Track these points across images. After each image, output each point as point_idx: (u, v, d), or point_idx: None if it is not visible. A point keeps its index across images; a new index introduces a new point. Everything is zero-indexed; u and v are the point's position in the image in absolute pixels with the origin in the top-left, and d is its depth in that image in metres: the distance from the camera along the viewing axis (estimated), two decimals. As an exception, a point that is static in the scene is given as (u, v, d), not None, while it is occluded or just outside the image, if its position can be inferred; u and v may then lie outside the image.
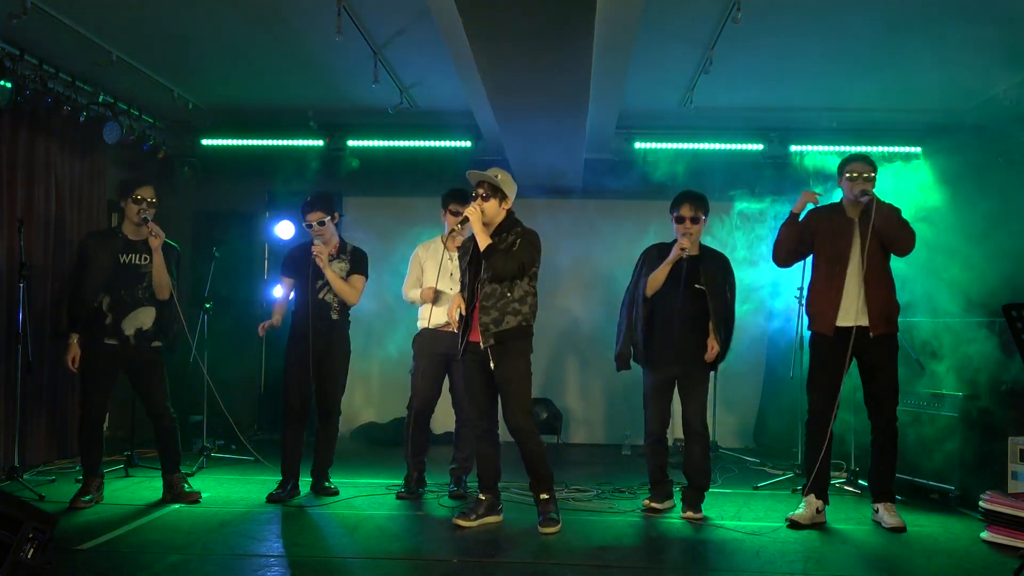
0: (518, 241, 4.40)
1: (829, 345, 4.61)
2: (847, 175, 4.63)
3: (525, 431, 4.40)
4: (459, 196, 5.05)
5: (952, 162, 6.73)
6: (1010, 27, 4.90)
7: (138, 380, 4.88)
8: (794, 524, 4.60)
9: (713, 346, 4.70)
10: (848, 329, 4.54)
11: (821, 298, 4.66)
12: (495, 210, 4.43)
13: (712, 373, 4.92)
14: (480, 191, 4.42)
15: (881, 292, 4.55)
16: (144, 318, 4.83)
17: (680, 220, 4.75)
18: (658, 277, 4.72)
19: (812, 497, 4.67)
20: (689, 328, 4.69)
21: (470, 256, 4.51)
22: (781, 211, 7.14)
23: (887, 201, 4.64)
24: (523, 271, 4.39)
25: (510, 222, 4.48)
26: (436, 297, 5.05)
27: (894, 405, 4.61)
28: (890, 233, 4.52)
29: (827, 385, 4.62)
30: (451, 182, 5.51)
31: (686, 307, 4.69)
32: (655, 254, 4.87)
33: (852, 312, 4.55)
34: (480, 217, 4.38)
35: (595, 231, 7.50)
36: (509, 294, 4.38)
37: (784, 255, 4.79)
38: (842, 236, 4.61)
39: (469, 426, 4.62)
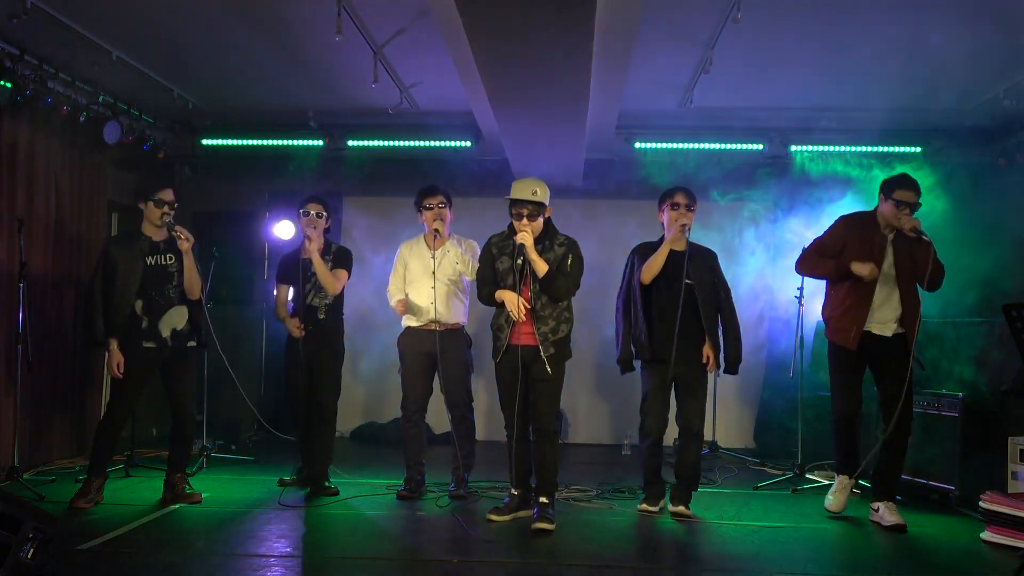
0: (570, 257, 4.49)
1: (851, 355, 4.68)
2: (895, 199, 4.58)
3: (551, 434, 4.51)
4: (430, 191, 5.14)
5: (952, 162, 6.74)
6: (1011, 27, 4.90)
7: (171, 379, 4.90)
8: (835, 512, 4.79)
9: (708, 354, 4.72)
10: (872, 337, 4.64)
11: (847, 313, 4.68)
12: (540, 225, 4.51)
13: (712, 373, 4.91)
14: (524, 211, 4.44)
15: (914, 311, 4.60)
16: (178, 318, 4.86)
17: (676, 207, 4.75)
18: (656, 262, 4.69)
19: (844, 478, 4.81)
20: (686, 326, 4.65)
21: (519, 259, 4.47)
22: (782, 211, 7.18)
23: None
24: (577, 288, 4.54)
25: (551, 229, 4.57)
26: (411, 306, 5.12)
27: (912, 413, 4.67)
28: (932, 275, 4.53)
29: (852, 391, 4.73)
30: (451, 182, 5.52)
31: (678, 304, 4.65)
32: (644, 250, 4.86)
33: (880, 326, 4.65)
34: (533, 242, 4.42)
35: (595, 231, 7.49)
36: (561, 303, 4.52)
37: (808, 275, 5.07)
38: (875, 253, 4.63)
39: (508, 429, 4.60)
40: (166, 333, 4.82)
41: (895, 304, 4.64)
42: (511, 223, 4.54)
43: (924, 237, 4.47)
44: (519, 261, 4.46)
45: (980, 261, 5.60)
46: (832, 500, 4.84)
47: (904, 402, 4.55)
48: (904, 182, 4.63)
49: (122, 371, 4.72)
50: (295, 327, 5.14)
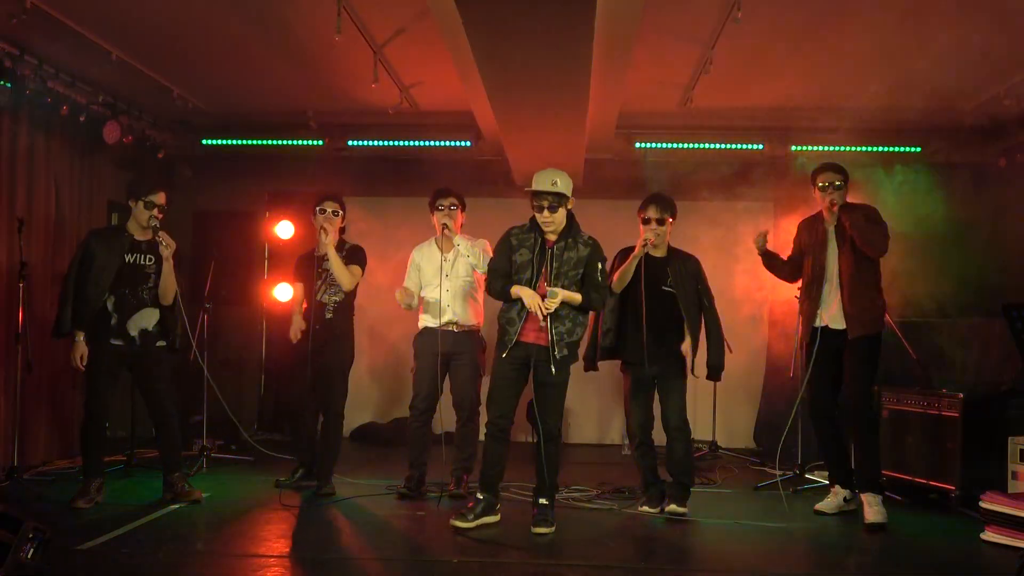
0: (599, 264, 4.42)
1: (811, 347, 4.81)
2: (818, 185, 4.80)
3: (557, 437, 4.49)
4: (443, 192, 5.19)
5: (952, 162, 6.74)
6: (1011, 26, 4.90)
7: (141, 379, 4.88)
8: (820, 512, 4.81)
9: (685, 350, 4.77)
10: (821, 329, 4.75)
11: (803, 306, 4.91)
12: (563, 217, 4.41)
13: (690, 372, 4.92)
14: (545, 203, 4.33)
15: (858, 296, 4.66)
16: (148, 319, 4.83)
17: (646, 222, 4.78)
18: (624, 273, 4.72)
19: (837, 487, 4.86)
20: (659, 331, 4.71)
21: (535, 253, 4.40)
22: (781, 211, 7.17)
23: (861, 203, 4.82)
24: (609, 296, 4.54)
25: (574, 224, 4.49)
26: (428, 306, 5.14)
27: (861, 397, 4.67)
28: (861, 239, 4.62)
29: (816, 385, 4.82)
30: (451, 182, 5.53)
31: (653, 309, 4.70)
32: (625, 255, 4.90)
33: (828, 315, 4.75)
34: (562, 292, 4.30)
35: (594, 231, 7.47)
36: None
37: (785, 278, 5.17)
38: (819, 245, 4.81)
39: (489, 426, 4.52)
40: (134, 332, 4.79)
41: (841, 297, 4.72)
42: (533, 216, 4.43)
43: (834, 208, 4.67)
44: (537, 258, 4.39)
45: (980, 260, 5.61)
46: (822, 502, 4.90)
47: (850, 391, 4.66)
48: (824, 167, 4.85)
49: (84, 364, 4.71)
50: (296, 330, 5.20)
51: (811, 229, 4.91)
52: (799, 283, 5.83)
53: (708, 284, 4.90)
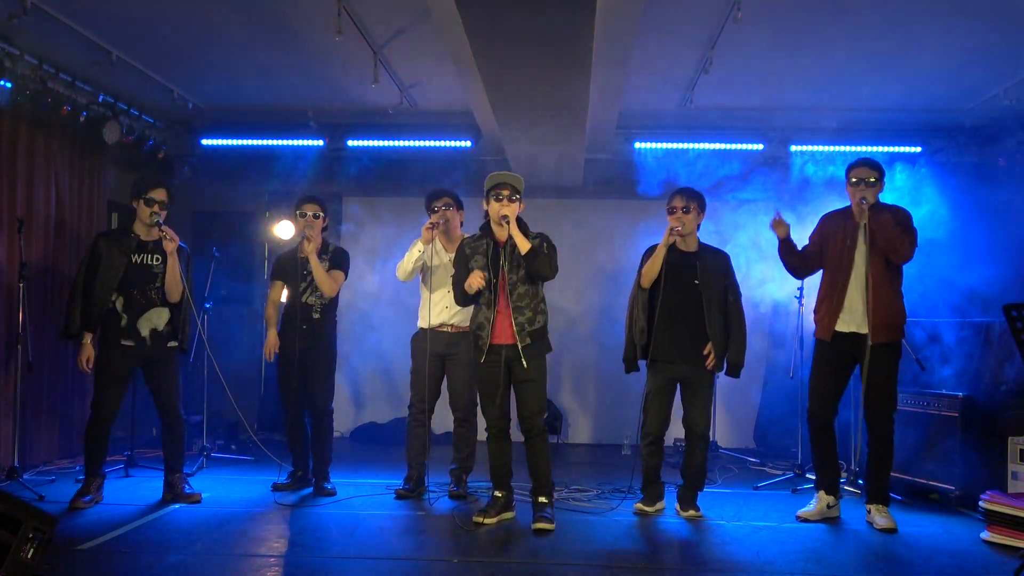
0: (545, 244, 4.48)
1: (828, 350, 4.65)
2: (850, 180, 4.62)
3: (540, 432, 4.50)
4: (435, 194, 5.18)
5: (952, 162, 6.75)
6: (1010, 27, 4.90)
7: (152, 378, 4.89)
8: (803, 519, 4.68)
9: (709, 349, 4.66)
10: (847, 335, 4.56)
11: (823, 305, 4.68)
12: (515, 213, 4.48)
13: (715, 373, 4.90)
14: (506, 192, 4.43)
15: (885, 300, 4.50)
16: (158, 318, 4.84)
17: (672, 211, 4.74)
18: (654, 265, 4.67)
19: (822, 493, 4.73)
20: (692, 327, 4.67)
21: (489, 256, 4.46)
22: (781, 211, 7.17)
23: (894, 204, 4.64)
24: (557, 271, 4.50)
25: (523, 225, 4.55)
26: (424, 272, 5.11)
27: (888, 410, 4.57)
28: (885, 242, 4.47)
29: (824, 389, 4.68)
30: (451, 182, 5.54)
31: (687, 304, 4.68)
32: (650, 253, 4.84)
33: (853, 319, 4.56)
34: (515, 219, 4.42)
35: (594, 231, 7.51)
36: (538, 294, 4.49)
37: (792, 271, 4.94)
38: (847, 243, 4.61)
39: (488, 428, 4.59)
40: (145, 332, 4.80)
41: (867, 300, 4.53)
42: (483, 224, 4.55)
43: (864, 205, 4.46)
44: (503, 225, 4.39)
45: (979, 261, 5.61)
46: (806, 509, 4.74)
47: (877, 404, 4.51)
48: (859, 162, 4.67)
49: (90, 367, 4.73)
50: (270, 347, 5.17)
51: (838, 224, 4.68)
52: (799, 283, 5.86)
53: (736, 280, 4.84)
